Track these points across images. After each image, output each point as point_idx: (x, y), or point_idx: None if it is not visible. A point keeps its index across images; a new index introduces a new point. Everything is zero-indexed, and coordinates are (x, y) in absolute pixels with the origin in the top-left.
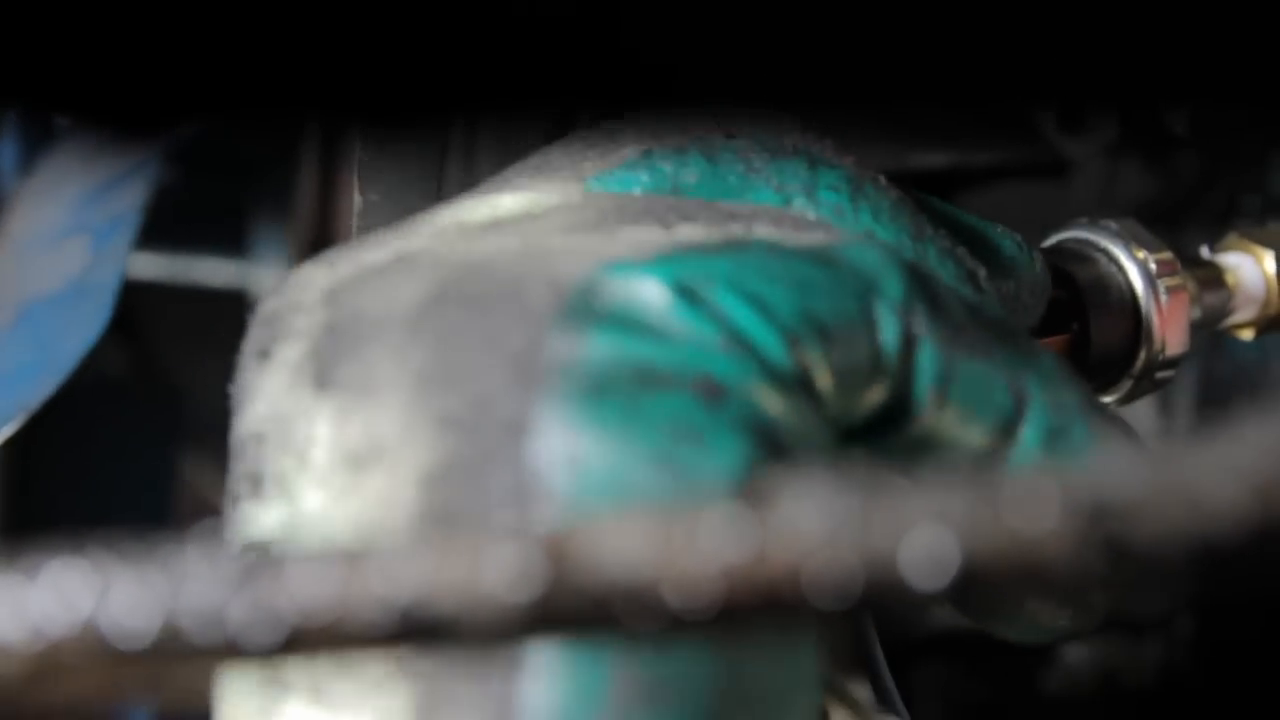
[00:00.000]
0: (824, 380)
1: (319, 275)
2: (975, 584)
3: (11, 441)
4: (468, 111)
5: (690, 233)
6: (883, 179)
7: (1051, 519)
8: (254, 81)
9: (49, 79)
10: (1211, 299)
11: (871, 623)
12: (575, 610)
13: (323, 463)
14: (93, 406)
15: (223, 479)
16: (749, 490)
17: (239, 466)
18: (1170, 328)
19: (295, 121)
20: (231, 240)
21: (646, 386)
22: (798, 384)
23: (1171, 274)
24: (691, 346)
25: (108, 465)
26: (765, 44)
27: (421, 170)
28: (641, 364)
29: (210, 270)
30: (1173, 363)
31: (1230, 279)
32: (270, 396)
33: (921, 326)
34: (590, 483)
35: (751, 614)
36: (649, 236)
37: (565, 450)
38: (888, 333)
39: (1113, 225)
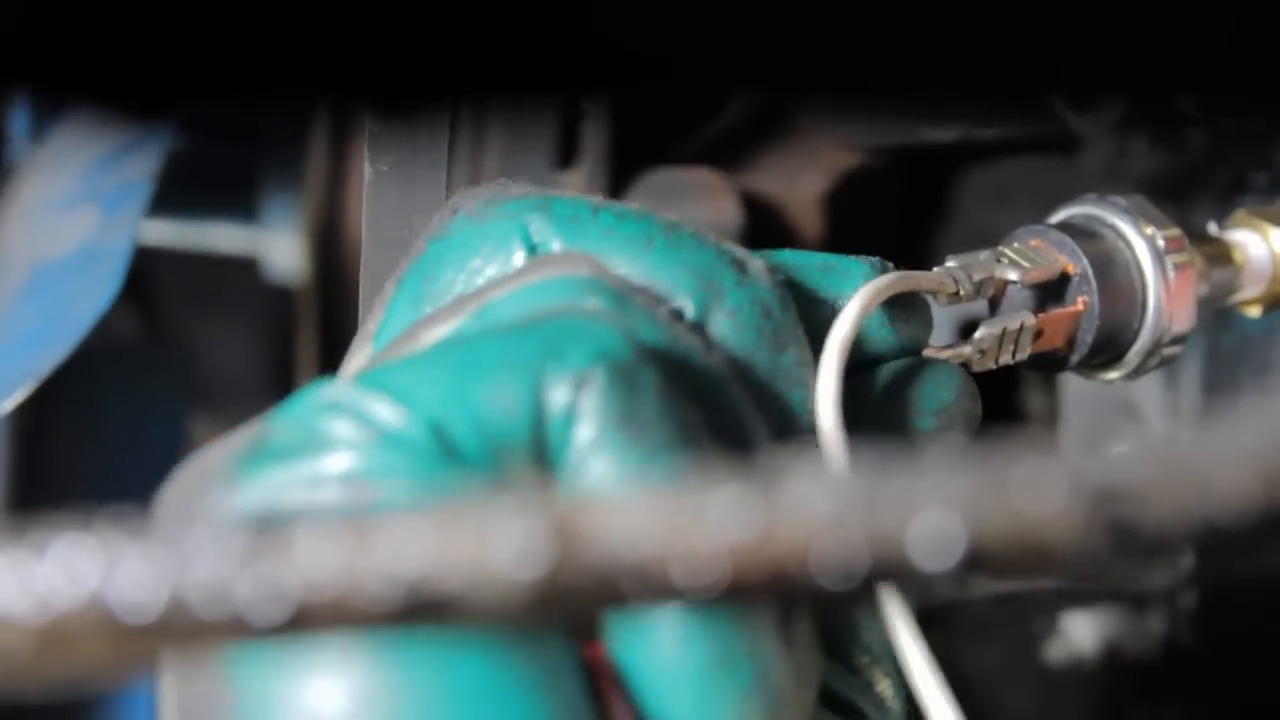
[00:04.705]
0: (475, 450)
1: None
2: (982, 565)
3: (23, 407)
4: (476, 89)
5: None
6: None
7: (1058, 501)
8: (266, 62)
9: (61, 61)
10: (1219, 275)
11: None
12: (582, 587)
13: None
14: (104, 370)
15: None
16: None
17: None
18: (1177, 304)
19: (307, 101)
20: (242, 206)
21: (297, 508)
22: (446, 460)
23: (1179, 250)
24: (342, 456)
25: (119, 429)
26: (773, 22)
27: (431, 141)
28: (295, 487)
29: (221, 236)
30: (1179, 339)
31: (1238, 255)
32: None
33: (591, 399)
34: None
35: (758, 592)
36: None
37: None
38: (555, 399)
39: (1121, 201)
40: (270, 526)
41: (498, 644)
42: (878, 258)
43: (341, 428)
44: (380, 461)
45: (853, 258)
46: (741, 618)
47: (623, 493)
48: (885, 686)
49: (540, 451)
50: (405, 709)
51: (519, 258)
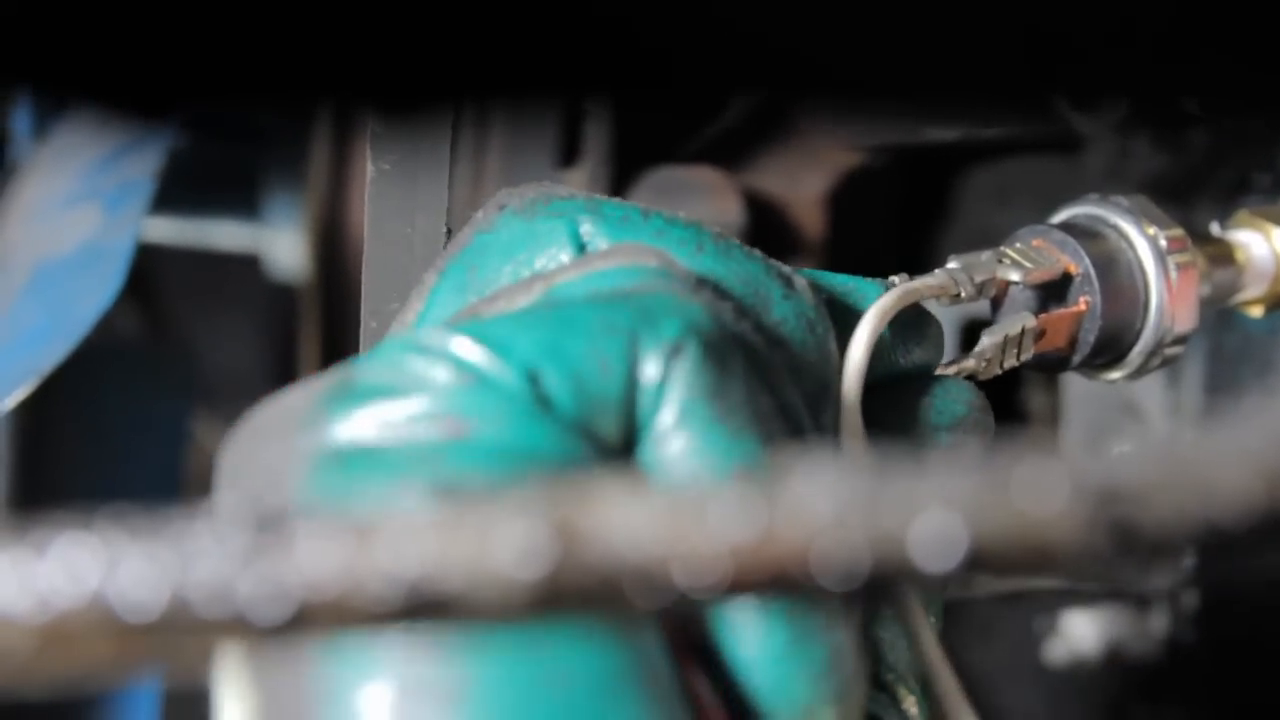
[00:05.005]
0: (568, 403)
1: None
2: (984, 566)
3: (25, 404)
4: (478, 88)
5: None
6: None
7: (1060, 502)
8: (268, 62)
9: (63, 60)
10: (1221, 276)
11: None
12: (583, 587)
13: None
14: (106, 368)
15: None
16: None
17: None
18: (1179, 304)
19: (309, 100)
20: (245, 204)
21: (391, 444)
22: (539, 408)
23: (1181, 251)
24: (435, 396)
25: (121, 427)
26: (774, 22)
27: (433, 140)
28: (386, 426)
29: (224, 234)
30: (1182, 339)
31: (1240, 256)
32: None
33: (683, 370)
34: None
35: (759, 593)
36: None
37: None
38: (648, 366)
39: (1123, 201)
40: (271, 526)
41: (589, 620)
42: (881, 278)
43: (435, 369)
44: (475, 401)
45: (867, 280)
46: (818, 604)
47: (624, 492)
48: (911, 703)
49: (629, 414)
50: (502, 693)
51: (566, 256)
